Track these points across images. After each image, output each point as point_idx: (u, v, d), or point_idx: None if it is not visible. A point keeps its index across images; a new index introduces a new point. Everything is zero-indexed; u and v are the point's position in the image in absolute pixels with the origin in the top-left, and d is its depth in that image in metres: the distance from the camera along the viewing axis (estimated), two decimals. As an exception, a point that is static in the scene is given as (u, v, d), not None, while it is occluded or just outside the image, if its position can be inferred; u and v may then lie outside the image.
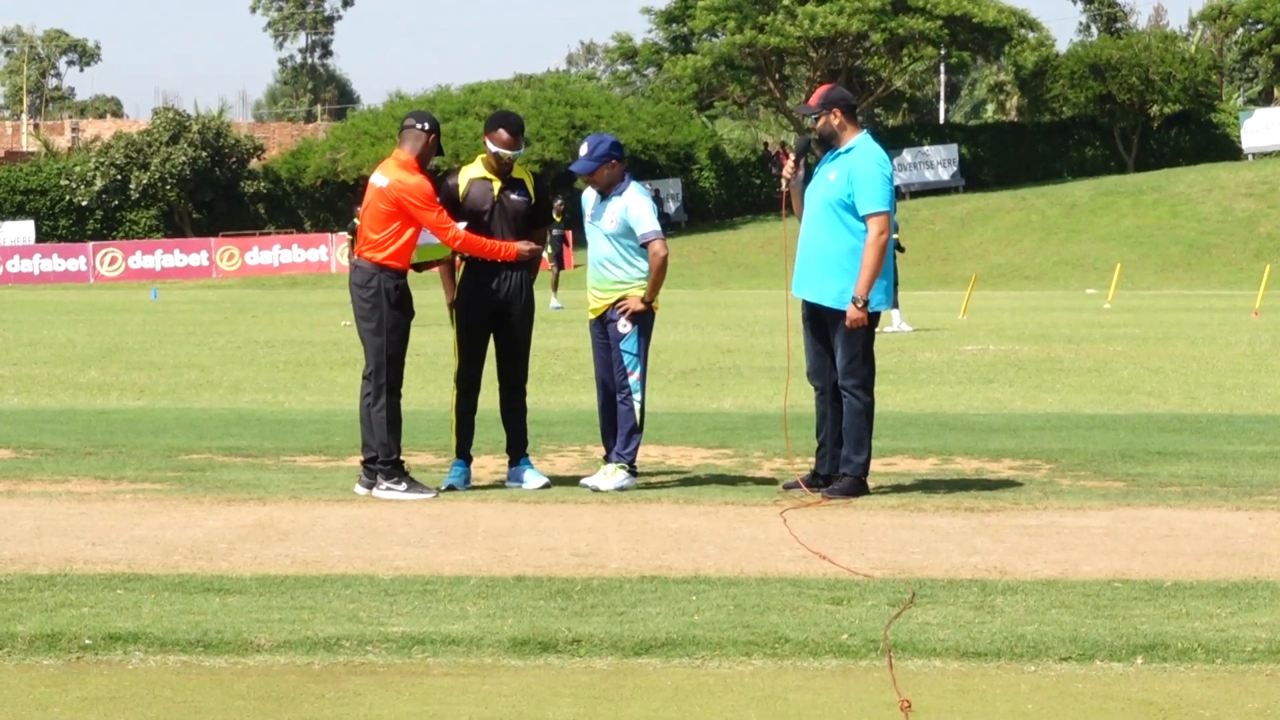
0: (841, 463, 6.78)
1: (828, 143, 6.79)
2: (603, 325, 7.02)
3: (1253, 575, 5.16)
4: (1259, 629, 4.43)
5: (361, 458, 6.84)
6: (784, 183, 6.98)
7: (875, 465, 7.61)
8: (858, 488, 6.72)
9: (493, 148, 6.89)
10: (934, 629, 4.42)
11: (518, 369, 7.03)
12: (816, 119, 6.77)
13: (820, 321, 6.81)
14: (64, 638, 4.30)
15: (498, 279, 6.93)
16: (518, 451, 7.02)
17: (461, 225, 6.83)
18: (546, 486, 6.91)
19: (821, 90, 6.87)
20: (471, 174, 7.01)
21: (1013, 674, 4.13)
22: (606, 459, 6.99)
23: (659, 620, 4.50)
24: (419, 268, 6.91)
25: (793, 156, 6.99)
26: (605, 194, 6.97)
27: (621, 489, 6.84)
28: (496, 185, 6.93)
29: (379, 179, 6.79)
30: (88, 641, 4.28)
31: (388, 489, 6.66)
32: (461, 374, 7.02)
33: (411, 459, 7.91)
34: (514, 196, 6.93)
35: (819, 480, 6.84)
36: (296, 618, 4.51)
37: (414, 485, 6.71)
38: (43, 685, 4.03)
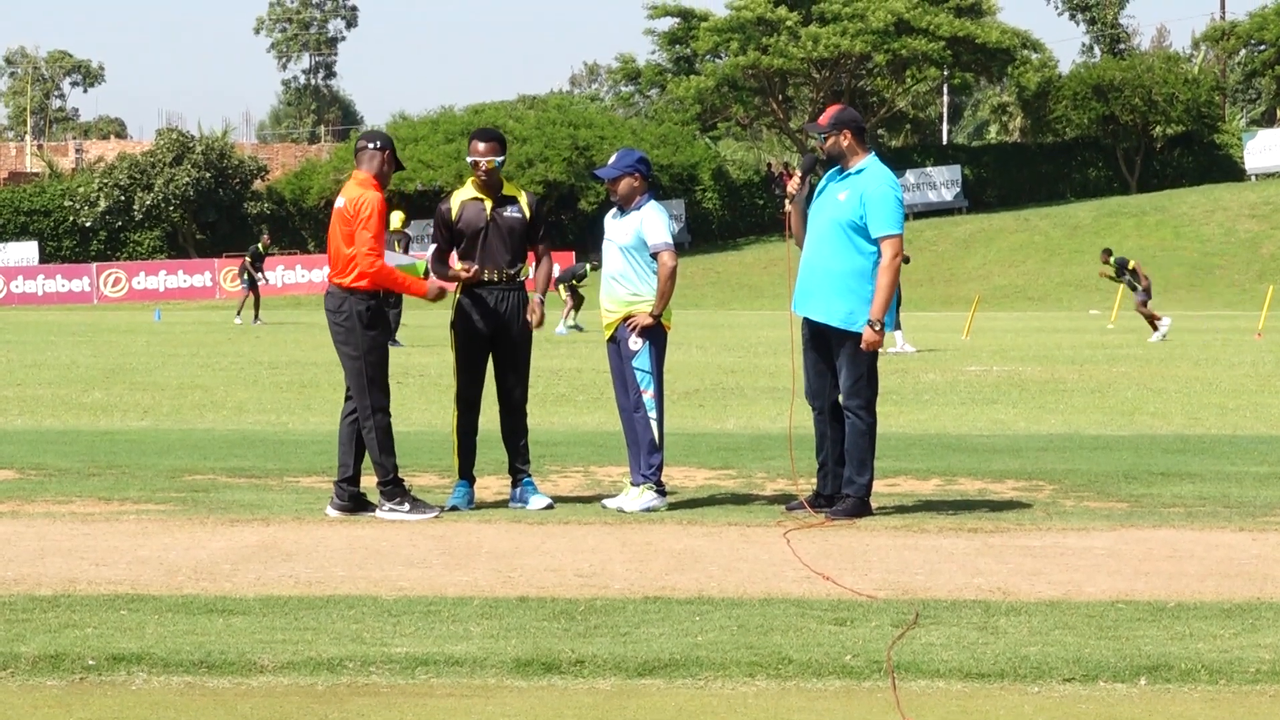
0: (845, 484, 6.78)
1: (834, 163, 6.81)
2: (617, 345, 7.03)
3: (1256, 596, 5.15)
4: (1263, 650, 4.43)
5: (335, 477, 6.83)
6: (787, 200, 7.00)
7: (879, 486, 7.61)
8: (861, 508, 6.72)
9: (470, 159, 6.97)
10: (937, 650, 4.41)
11: (517, 390, 7.03)
12: (825, 139, 6.78)
13: (823, 341, 6.81)
14: (67, 658, 4.30)
15: (495, 299, 6.95)
16: (520, 472, 7.02)
17: (433, 248, 6.97)
18: (550, 507, 6.90)
19: (832, 110, 6.89)
20: (463, 196, 7.04)
21: (1016, 695, 4.12)
22: (634, 482, 6.98)
23: (662, 641, 4.50)
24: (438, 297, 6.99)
25: (798, 174, 6.99)
26: (624, 208, 7.02)
27: (650, 509, 6.83)
28: (489, 204, 6.96)
29: (339, 201, 6.83)
30: (91, 662, 4.29)
31: (391, 510, 6.66)
32: (461, 394, 7.03)
33: (415, 480, 7.92)
34: (507, 214, 6.95)
35: (822, 500, 6.84)
36: (300, 638, 4.51)
37: (417, 505, 6.71)
38: (46, 706, 4.03)
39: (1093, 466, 8.37)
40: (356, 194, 6.71)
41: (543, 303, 7.04)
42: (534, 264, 7.20)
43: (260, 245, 28.40)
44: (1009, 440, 9.68)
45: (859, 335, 6.66)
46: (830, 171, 6.88)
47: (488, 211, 6.94)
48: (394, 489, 6.69)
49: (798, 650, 4.38)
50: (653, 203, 7.07)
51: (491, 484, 7.54)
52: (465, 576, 5.46)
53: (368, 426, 6.69)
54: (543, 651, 4.37)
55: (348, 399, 6.83)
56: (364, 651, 4.38)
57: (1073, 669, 4.24)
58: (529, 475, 7.04)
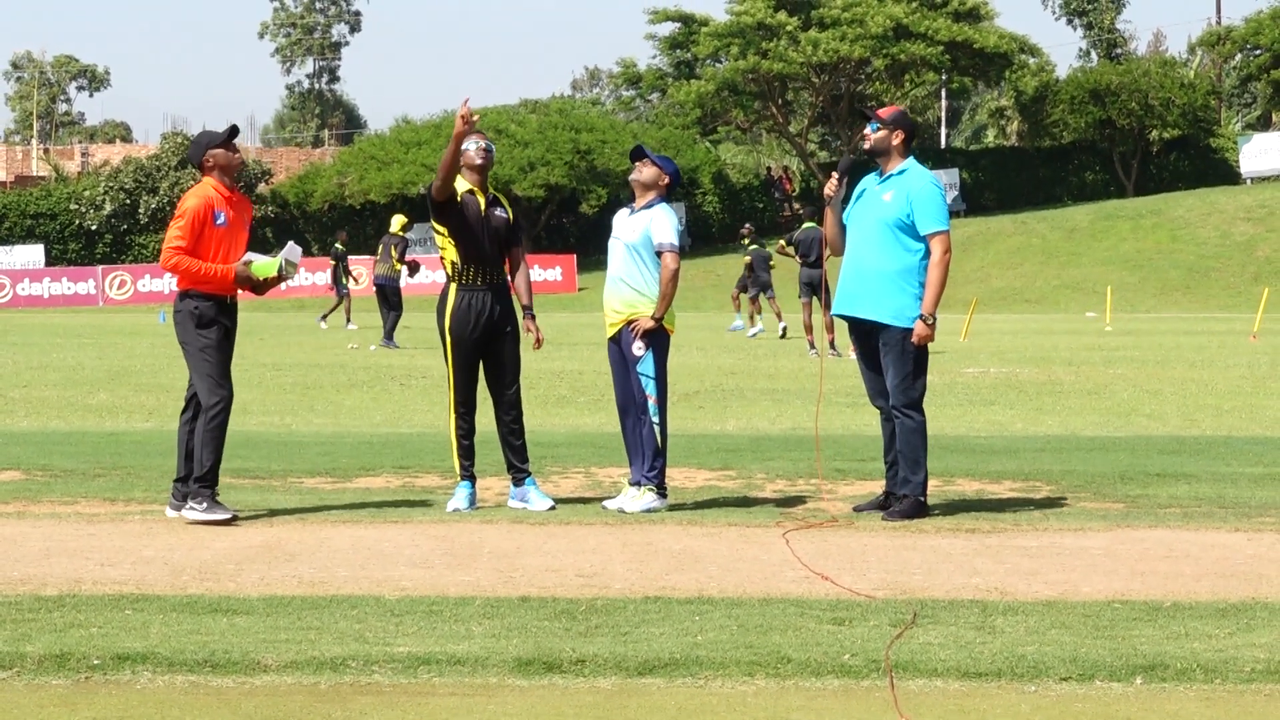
0: (900, 484, 6.79)
1: (872, 159, 6.85)
2: (619, 345, 7.05)
3: (1251, 596, 5.19)
4: (1257, 649, 4.46)
5: (176, 476, 6.72)
6: (826, 204, 7.04)
7: (877, 487, 7.65)
8: (918, 509, 6.72)
9: (467, 145, 6.91)
10: (935, 649, 4.45)
11: (511, 390, 7.00)
12: (878, 129, 6.81)
13: (871, 341, 6.83)
14: (73, 658, 4.34)
15: (485, 300, 6.94)
16: (521, 472, 7.04)
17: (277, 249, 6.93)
18: (552, 509, 6.93)
19: (894, 109, 6.96)
20: (460, 187, 7.03)
21: (1013, 694, 4.16)
22: (633, 482, 7.01)
23: (662, 640, 4.54)
24: (258, 288, 6.71)
25: (836, 176, 7.00)
26: (636, 207, 7.04)
27: (650, 510, 6.87)
28: (482, 201, 6.99)
29: None
30: (96, 662, 4.32)
31: (190, 508, 6.54)
32: (457, 397, 7.02)
33: (417, 481, 7.96)
34: (498, 213, 7.01)
35: (892, 499, 6.86)
36: (303, 638, 4.55)
37: (213, 506, 6.54)
38: (52, 705, 4.07)
39: (1089, 467, 8.40)
40: (183, 200, 6.66)
41: (534, 315, 7.11)
42: (511, 268, 7.09)
43: (339, 245, 28.22)
44: (1006, 441, 9.71)
45: (907, 331, 6.71)
46: (869, 175, 6.92)
47: (482, 208, 6.97)
48: (201, 487, 6.54)
49: (797, 650, 4.42)
50: (664, 204, 7.09)
51: (494, 484, 7.58)
52: (467, 576, 5.50)
53: (202, 423, 6.58)
54: (544, 651, 4.41)
55: (187, 400, 6.72)
56: (367, 651, 4.41)
57: (1069, 668, 4.28)
58: (530, 475, 7.07)
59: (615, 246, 7.06)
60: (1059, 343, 21.94)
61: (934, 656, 4.36)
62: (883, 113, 6.86)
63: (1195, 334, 24.38)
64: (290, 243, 7.07)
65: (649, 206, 7.03)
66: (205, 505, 6.53)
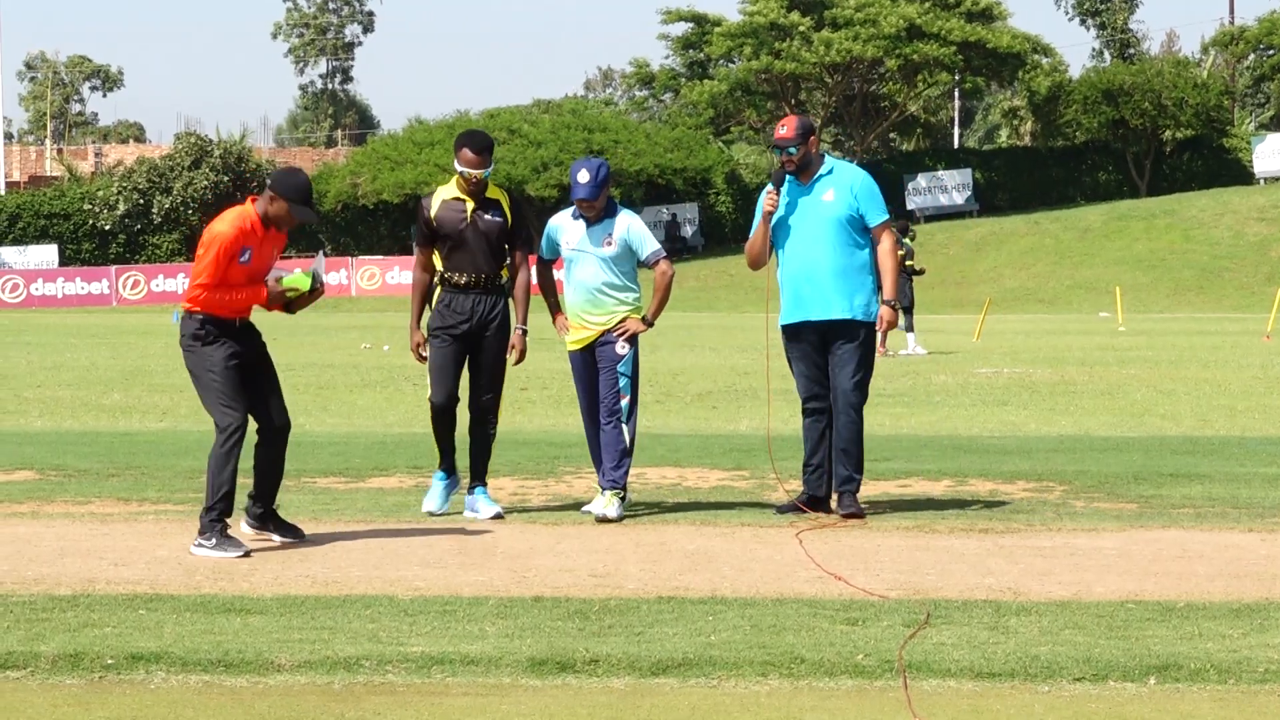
0: (845, 481, 6.75)
1: (797, 172, 6.80)
2: (589, 352, 6.87)
3: (1265, 596, 5.18)
4: (1271, 650, 4.46)
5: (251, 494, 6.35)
6: (762, 218, 6.93)
7: (890, 487, 7.68)
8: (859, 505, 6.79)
9: (460, 168, 6.72)
10: (948, 649, 4.45)
11: (487, 395, 6.81)
12: (798, 151, 6.77)
13: (821, 342, 6.79)
14: (87, 658, 4.36)
15: (472, 302, 6.76)
16: (477, 478, 6.84)
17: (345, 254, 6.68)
18: (499, 516, 6.73)
19: (793, 122, 6.87)
20: (444, 195, 6.81)
21: (1026, 694, 4.16)
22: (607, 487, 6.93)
23: (676, 640, 4.54)
24: (290, 308, 6.30)
25: (773, 192, 6.89)
26: (595, 220, 6.83)
27: (621, 513, 6.79)
28: (470, 206, 6.74)
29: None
30: (110, 661, 4.34)
31: (199, 544, 6.01)
32: (434, 395, 6.83)
33: (411, 481, 7.97)
34: (488, 217, 6.73)
35: (816, 504, 6.82)
36: (317, 638, 4.56)
37: (223, 541, 6.04)
38: (66, 705, 4.08)
39: (1103, 468, 8.39)
40: (215, 227, 6.21)
41: (525, 332, 6.78)
42: (510, 273, 6.84)
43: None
44: (1020, 442, 9.70)
45: (870, 325, 6.75)
46: (789, 182, 6.82)
47: (468, 214, 6.73)
48: (211, 520, 6.06)
49: (810, 650, 4.42)
50: (626, 210, 6.96)
51: (506, 484, 7.59)
52: (481, 576, 5.51)
53: (219, 443, 6.16)
54: (557, 651, 4.42)
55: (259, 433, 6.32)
56: (380, 651, 4.43)
57: (1083, 668, 4.28)
58: (485, 483, 6.85)
59: (584, 260, 6.82)
60: (1072, 343, 21.90)
61: (947, 657, 4.36)
62: (787, 134, 6.77)
63: (1209, 334, 24.32)
64: (320, 254, 6.70)
65: (611, 216, 6.84)
66: (214, 541, 6.07)
